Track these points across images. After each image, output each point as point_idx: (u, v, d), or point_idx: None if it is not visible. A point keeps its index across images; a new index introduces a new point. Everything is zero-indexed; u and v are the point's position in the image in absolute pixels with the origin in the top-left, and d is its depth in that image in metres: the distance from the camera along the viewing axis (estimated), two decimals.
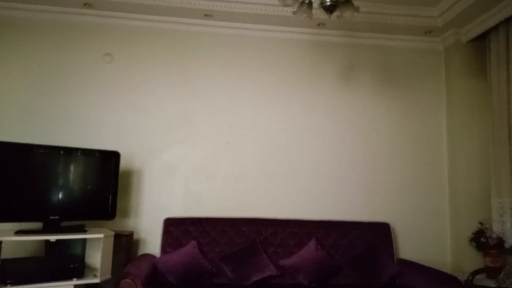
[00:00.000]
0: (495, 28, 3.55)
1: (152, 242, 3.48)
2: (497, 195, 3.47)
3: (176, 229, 3.36)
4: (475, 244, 3.47)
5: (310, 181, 3.78)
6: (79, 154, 3.09)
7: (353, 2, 2.34)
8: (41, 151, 2.95)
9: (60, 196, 2.98)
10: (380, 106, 3.95)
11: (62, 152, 3.03)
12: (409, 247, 3.72)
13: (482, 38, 3.77)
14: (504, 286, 2.98)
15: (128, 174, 3.57)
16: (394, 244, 3.53)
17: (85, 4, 3.53)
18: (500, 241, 3.34)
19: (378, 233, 3.53)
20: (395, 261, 3.44)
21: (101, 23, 3.72)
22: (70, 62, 3.65)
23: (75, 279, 2.76)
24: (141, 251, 3.49)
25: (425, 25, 3.77)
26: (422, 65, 4.06)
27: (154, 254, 3.35)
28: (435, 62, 4.07)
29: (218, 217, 3.50)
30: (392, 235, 3.56)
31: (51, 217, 2.90)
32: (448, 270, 3.54)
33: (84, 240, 3.07)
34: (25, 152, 2.90)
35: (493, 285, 3.09)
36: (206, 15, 3.69)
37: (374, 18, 3.69)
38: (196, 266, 3.15)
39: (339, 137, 3.86)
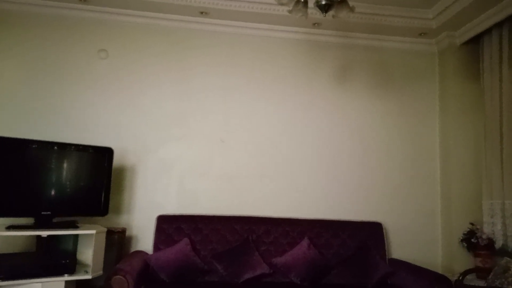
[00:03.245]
0: (489, 31, 3.60)
1: (144, 239, 3.48)
2: (488, 196, 3.50)
3: (169, 226, 3.36)
4: (465, 245, 3.51)
5: (304, 180, 3.79)
6: (72, 149, 3.07)
7: (349, 2, 2.36)
8: (34, 146, 2.93)
9: (52, 191, 2.96)
10: (374, 106, 3.98)
11: (55, 147, 3.01)
12: (401, 247, 3.75)
13: (476, 41, 3.81)
14: (493, 286, 3.01)
15: (122, 170, 3.56)
16: (386, 243, 3.55)
17: None
18: (491, 242, 3.38)
19: (371, 233, 3.55)
20: (387, 260, 3.47)
21: (97, 19, 3.71)
22: (66, 58, 3.64)
23: (66, 275, 2.75)
24: (133, 248, 3.48)
25: (420, 27, 3.80)
26: (416, 66, 4.09)
27: (146, 251, 3.35)
28: (429, 64, 4.10)
29: (211, 214, 3.51)
30: (385, 234, 3.58)
31: (43, 213, 2.89)
32: (439, 270, 3.58)
33: (76, 236, 3.05)
34: (17, 147, 2.88)
35: (483, 285, 3.13)
36: (202, 12, 3.69)
37: (369, 19, 3.71)
38: (188, 264, 3.15)
39: (333, 137, 3.88)
